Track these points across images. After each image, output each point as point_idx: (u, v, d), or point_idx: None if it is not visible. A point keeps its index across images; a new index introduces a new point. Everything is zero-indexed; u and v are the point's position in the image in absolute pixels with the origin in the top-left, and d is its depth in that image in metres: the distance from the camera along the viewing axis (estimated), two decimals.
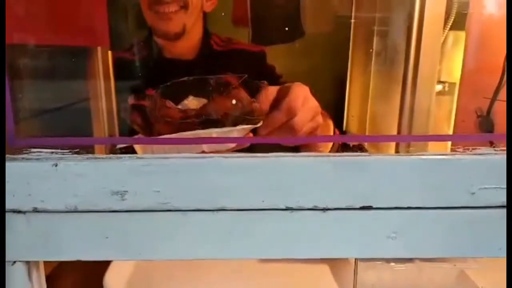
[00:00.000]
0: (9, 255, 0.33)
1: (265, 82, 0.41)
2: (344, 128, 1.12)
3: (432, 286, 0.41)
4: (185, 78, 0.37)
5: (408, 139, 0.65)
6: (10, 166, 0.31)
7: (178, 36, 0.68)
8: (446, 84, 0.87)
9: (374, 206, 0.31)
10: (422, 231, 0.32)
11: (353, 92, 1.12)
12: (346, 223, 0.31)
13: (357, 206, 0.31)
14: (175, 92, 0.39)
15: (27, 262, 0.33)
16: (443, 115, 0.87)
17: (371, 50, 0.98)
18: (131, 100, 0.40)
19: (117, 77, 0.72)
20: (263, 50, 0.79)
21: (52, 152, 0.32)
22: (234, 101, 0.38)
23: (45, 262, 0.36)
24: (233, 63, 0.74)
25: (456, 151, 0.31)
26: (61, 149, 0.32)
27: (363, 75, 1.04)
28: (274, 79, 0.75)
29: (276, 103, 0.41)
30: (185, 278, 0.47)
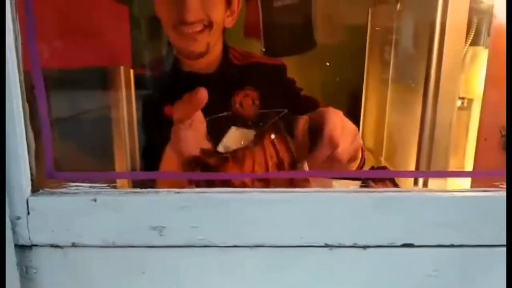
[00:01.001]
0: None
1: (302, 116, 0.41)
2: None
3: None
4: (224, 114, 0.37)
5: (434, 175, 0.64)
6: (49, 201, 0.31)
7: (202, 55, 0.68)
8: (465, 100, 0.87)
9: (415, 244, 0.30)
10: (464, 269, 0.31)
11: (369, 105, 1.12)
12: (387, 261, 0.31)
13: (399, 244, 0.30)
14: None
15: None
16: (462, 131, 0.86)
17: (387, 62, 0.98)
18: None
19: (138, 93, 0.73)
20: (283, 64, 0.79)
21: (91, 186, 0.32)
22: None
23: None
24: (254, 77, 0.73)
25: (499, 187, 0.30)
26: (99, 183, 0.32)
27: (380, 87, 1.04)
28: (294, 92, 0.75)
29: (315, 135, 0.41)
30: None
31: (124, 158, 0.66)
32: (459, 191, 0.30)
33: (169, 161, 0.46)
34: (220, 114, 0.39)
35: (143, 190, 0.31)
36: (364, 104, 1.12)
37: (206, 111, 0.46)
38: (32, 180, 0.31)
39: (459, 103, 0.83)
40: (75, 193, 0.31)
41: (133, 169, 0.53)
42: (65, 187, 0.32)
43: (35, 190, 0.31)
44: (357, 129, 0.46)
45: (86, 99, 0.64)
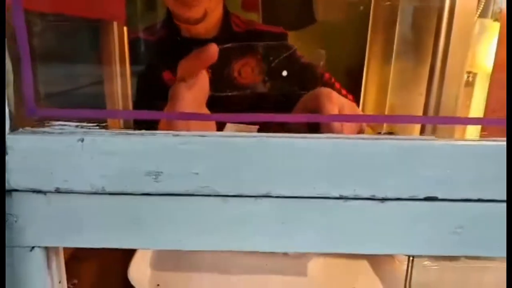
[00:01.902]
0: (27, 240, 0.29)
1: None
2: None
3: (481, 287, 0.38)
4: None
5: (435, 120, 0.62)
6: (30, 140, 0.27)
7: (199, 21, 0.66)
8: (471, 74, 0.84)
9: (439, 197, 0.27)
10: (492, 227, 0.28)
11: (370, 83, 1.08)
12: (407, 216, 0.28)
13: (421, 197, 0.27)
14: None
15: (46, 248, 0.30)
16: (467, 106, 0.84)
17: (391, 38, 0.94)
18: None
19: (133, 57, 0.69)
20: (284, 31, 0.77)
21: (77, 126, 0.28)
22: None
23: (64, 249, 0.33)
24: (254, 45, 0.71)
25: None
26: (88, 123, 0.28)
27: (382, 65, 1.00)
28: (295, 59, 0.73)
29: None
30: (214, 270, 0.44)
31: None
32: (491, 139, 0.27)
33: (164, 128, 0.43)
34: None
35: (137, 131, 0.28)
36: (365, 82, 1.09)
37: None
38: (10, 117, 0.28)
39: (465, 77, 0.81)
40: (60, 132, 0.28)
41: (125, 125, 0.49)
42: (48, 126, 0.28)
43: (14, 128, 0.28)
44: (354, 104, 0.45)
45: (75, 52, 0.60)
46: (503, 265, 0.36)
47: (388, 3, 0.97)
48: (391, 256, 0.45)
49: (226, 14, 0.70)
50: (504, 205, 0.27)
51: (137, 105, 0.69)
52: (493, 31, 0.78)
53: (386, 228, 0.28)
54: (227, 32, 0.70)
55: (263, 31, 0.75)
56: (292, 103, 0.48)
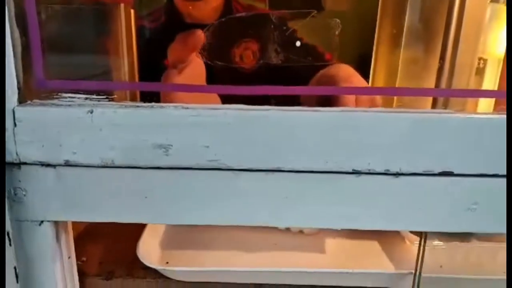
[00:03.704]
0: (36, 215, 0.29)
1: None
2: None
3: (494, 268, 0.37)
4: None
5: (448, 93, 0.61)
6: (39, 112, 0.27)
7: None
8: (481, 61, 0.82)
9: (455, 172, 0.27)
10: (506, 203, 0.27)
11: (378, 71, 1.07)
12: (421, 191, 0.27)
13: (436, 172, 0.27)
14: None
15: (56, 223, 0.30)
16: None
17: (401, 26, 0.93)
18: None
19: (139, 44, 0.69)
20: (284, 14, 0.76)
21: (87, 98, 0.28)
22: None
23: (73, 225, 0.33)
24: (254, 28, 0.71)
25: None
26: (97, 95, 0.28)
27: (390, 53, 0.98)
28: (294, 40, 0.73)
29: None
30: (224, 247, 0.44)
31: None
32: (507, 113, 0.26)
33: None
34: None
35: (147, 104, 0.27)
36: (373, 70, 1.07)
37: (206, 64, 0.42)
38: (19, 88, 0.27)
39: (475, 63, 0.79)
40: (69, 104, 0.27)
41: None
42: (57, 98, 0.28)
43: (22, 100, 0.27)
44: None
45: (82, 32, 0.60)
46: None
47: None
48: (401, 237, 0.44)
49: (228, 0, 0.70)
50: None
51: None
52: (504, 16, 0.77)
53: (399, 204, 0.28)
54: (228, 16, 0.69)
55: (263, 15, 0.75)
56: (297, 83, 0.47)
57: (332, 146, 0.27)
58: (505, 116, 0.26)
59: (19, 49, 0.27)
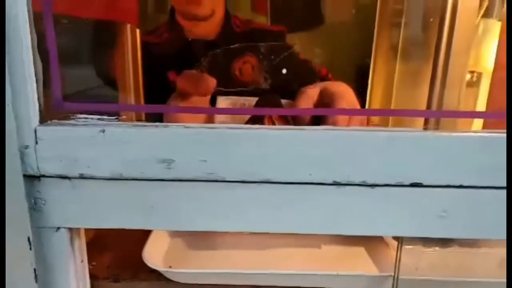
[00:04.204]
0: (53, 221, 0.33)
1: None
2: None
3: (472, 272, 0.40)
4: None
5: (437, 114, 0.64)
6: (58, 131, 0.31)
7: (207, 18, 0.69)
8: (475, 74, 0.85)
9: (424, 184, 0.30)
10: (474, 211, 0.31)
11: (376, 82, 1.10)
12: (395, 200, 0.31)
13: (407, 183, 0.30)
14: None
15: (70, 229, 0.34)
16: (470, 106, 0.85)
17: (396, 39, 0.96)
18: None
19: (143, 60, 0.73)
20: (282, 30, 0.80)
21: (99, 119, 0.31)
22: None
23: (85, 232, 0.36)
24: (252, 43, 0.74)
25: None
26: (108, 116, 0.31)
27: (387, 65, 1.02)
28: (293, 56, 0.76)
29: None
30: (223, 252, 0.47)
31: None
32: (471, 131, 0.30)
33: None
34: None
35: (152, 123, 0.31)
36: (371, 81, 1.11)
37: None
38: (40, 110, 0.31)
39: (468, 76, 0.82)
40: (84, 124, 0.31)
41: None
42: (73, 118, 0.31)
43: (43, 121, 0.31)
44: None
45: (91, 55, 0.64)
46: (494, 251, 0.39)
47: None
48: (385, 243, 0.47)
49: (227, 15, 0.73)
50: (483, 191, 0.30)
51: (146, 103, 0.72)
52: (497, 31, 0.80)
53: (376, 212, 0.31)
54: (228, 33, 0.73)
55: (261, 30, 0.78)
56: (292, 98, 0.50)
57: (315, 160, 0.30)
58: (470, 133, 0.30)
59: (40, 75, 0.31)
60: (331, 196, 0.31)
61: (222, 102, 0.46)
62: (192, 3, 0.68)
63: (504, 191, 0.30)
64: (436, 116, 0.68)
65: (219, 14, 0.72)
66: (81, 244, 0.35)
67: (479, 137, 0.29)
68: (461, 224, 0.31)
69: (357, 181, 0.30)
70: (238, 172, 0.31)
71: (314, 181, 0.31)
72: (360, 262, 0.45)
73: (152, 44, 0.76)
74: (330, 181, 0.30)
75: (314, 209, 0.31)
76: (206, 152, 0.30)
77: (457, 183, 0.30)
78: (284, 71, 0.41)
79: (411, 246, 0.36)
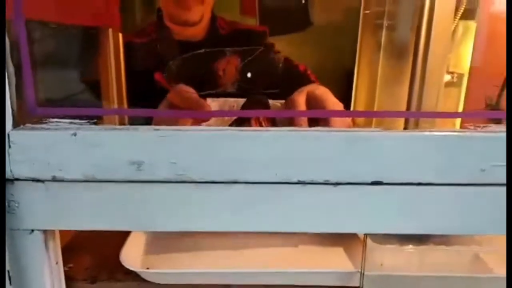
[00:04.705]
0: (27, 224, 0.34)
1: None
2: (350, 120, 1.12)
3: (445, 269, 0.41)
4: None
5: (416, 115, 0.66)
6: (31, 135, 0.31)
7: (196, 23, 0.71)
8: (455, 75, 0.87)
9: (384, 182, 0.31)
10: (433, 207, 0.32)
11: (361, 84, 1.12)
12: (357, 198, 0.32)
13: (369, 181, 0.31)
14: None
15: (44, 231, 0.34)
16: (451, 106, 0.87)
17: (379, 40, 0.98)
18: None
19: (127, 61, 0.74)
20: (264, 30, 0.82)
21: (71, 123, 0.32)
22: None
23: (61, 235, 0.37)
24: (235, 44, 0.76)
25: (467, 128, 0.31)
26: (80, 119, 0.32)
27: (371, 66, 1.04)
28: (272, 54, 0.78)
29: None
30: (199, 252, 0.48)
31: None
32: (431, 130, 0.31)
33: None
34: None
35: (122, 126, 0.32)
36: (356, 83, 1.13)
37: (193, 83, 0.46)
38: (13, 115, 0.32)
39: (448, 77, 0.84)
40: (56, 128, 0.32)
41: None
42: (45, 122, 0.32)
43: (16, 125, 0.32)
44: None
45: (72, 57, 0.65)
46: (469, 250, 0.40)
47: (368, 11, 1.01)
48: (361, 241, 0.49)
49: (213, 17, 0.75)
50: (440, 187, 0.31)
51: (130, 105, 0.73)
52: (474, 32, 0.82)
53: (340, 209, 0.32)
54: (213, 35, 0.74)
55: (245, 30, 0.80)
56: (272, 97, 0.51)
57: (281, 160, 0.31)
58: (427, 133, 0.31)
59: (13, 79, 0.32)
60: (296, 195, 0.32)
61: (211, 104, 0.47)
62: (182, 8, 0.69)
63: (461, 188, 0.31)
64: (413, 116, 0.70)
65: (207, 17, 0.73)
66: (55, 246, 0.36)
67: (436, 135, 0.31)
68: (421, 220, 0.33)
69: (320, 180, 0.32)
70: (207, 173, 0.32)
71: (280, 181, 0.32)
72: (336, 260, 0.46)
73: (139, 44, 0.76)
74: (295, 180, 0.32)
75: (280, 208, 0.32)
76: (175, 154, 0.31)
77: (416, 181, 0.31)
78: (249, 74, 0.42)
79: (387, 245, 0.37)
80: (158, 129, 0.32)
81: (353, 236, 0.49)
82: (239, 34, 0.76)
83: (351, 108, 1.13)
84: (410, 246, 0.44)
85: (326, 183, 0.32)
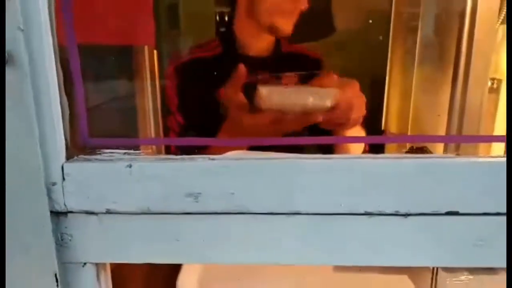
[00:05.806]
0: (80, 257, 0.33)
1: None
2: (382, 127, 1.09)
3: None
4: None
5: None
6: (84, 167, 0.31)
7: (286, 34, 0.70)
8: (495, 81, 0.83)
9: (460, 212, 0.29)
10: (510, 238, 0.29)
11: (393, 90, 1.09)
12: (429, 229, 0.29)
13: (443, 212, 0.29)
14: None
15: (97, 264, 0.33)
16: (490, 113, 0.83)
17: (414, 44, 0.95)
18: None
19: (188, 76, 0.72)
20: (319, 58, 0.81)
21: (125, 153, 0.31)
22: None
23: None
24: (295, 65, 0.75)
25: None
26: (134, 150, 0.31)
27: (404, 72, 1.01)
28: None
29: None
30: (254, 282, 0.46)
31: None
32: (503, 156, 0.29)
33: None
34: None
35: (178, 156, 0.31)
36: (388, 89, 1.09)
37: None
38: (66, 146, 0.31)
39: (489, 83, 0.80)
40: (110, 159, 0.31)
41: None
42: (99, 153, 0.31)
43: (70, 157, 0.31)
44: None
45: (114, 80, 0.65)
46: None
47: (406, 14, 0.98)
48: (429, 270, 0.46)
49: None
50: None
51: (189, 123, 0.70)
52: None
53: (410, 242, 0.30)
54: (277, 51, 0.73)
55: (302, 56, 0.79)
56: None
57: (346, 190, 0.29)
58: (503, 159, 0.29)
59: (67, 112, 0.31)
60: (363, 227, 0.30)
61: (263, 90, 0.50)
62: (284, 18, 0.68)
63: None
64: (458, 141, 0.66)
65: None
66: (106, 278, 0.35)
67: None
68: (498, 252, 0.30)
69: (389, 210, 0.29)
70: (266, 204, 0.30)
71: (345, 212, 0.30)
72: None
73: (203, 57, 0.75)
74: (361, 211, 0.30)
75: (345, 241, 0.30)
76: (233, 185, 0.30)
77: (494, 211, 0.29)
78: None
79: (460, 275, 0.35)
80: (214, 159, 0.30)
81: None
82: (297, 57, 0.75)
83: (383, 116, 1.10)
84: (483, 276, 0.41)
85: (395, 214, 0.29)
